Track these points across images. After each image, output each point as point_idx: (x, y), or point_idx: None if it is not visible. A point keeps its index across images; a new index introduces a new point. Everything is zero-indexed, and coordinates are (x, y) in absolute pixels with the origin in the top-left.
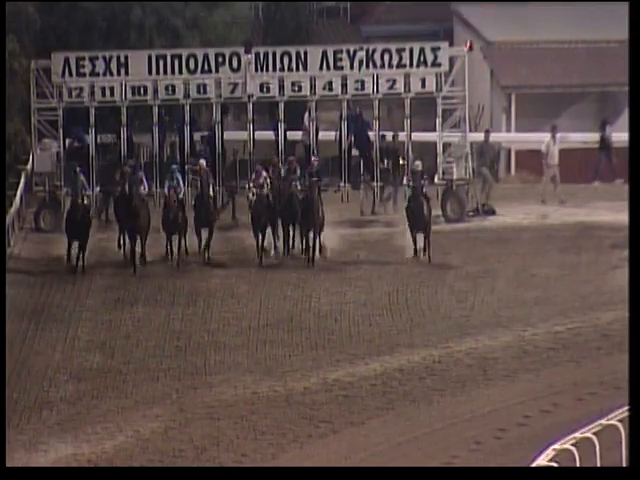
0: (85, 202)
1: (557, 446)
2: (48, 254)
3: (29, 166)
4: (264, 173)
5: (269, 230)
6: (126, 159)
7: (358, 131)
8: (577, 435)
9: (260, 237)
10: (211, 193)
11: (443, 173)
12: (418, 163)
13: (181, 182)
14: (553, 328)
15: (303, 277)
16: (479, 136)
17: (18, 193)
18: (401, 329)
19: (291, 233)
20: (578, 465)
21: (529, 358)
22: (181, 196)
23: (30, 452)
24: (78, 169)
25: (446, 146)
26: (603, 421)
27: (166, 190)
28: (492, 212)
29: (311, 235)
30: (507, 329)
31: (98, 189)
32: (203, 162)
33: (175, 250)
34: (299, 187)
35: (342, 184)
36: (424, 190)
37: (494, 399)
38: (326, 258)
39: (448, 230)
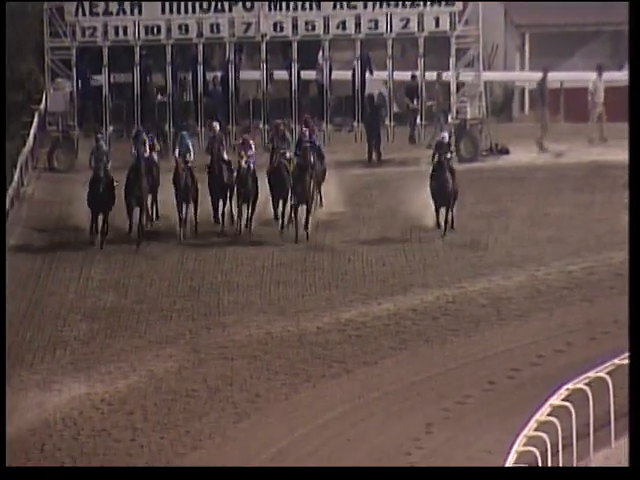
0: (108, 173)
1: (570, 386)
2: (61, 194)
3: (42, 105)
4: (251, 143)
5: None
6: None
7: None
8: (591, 375)
9: (245, 210)
10: (226, 156)
11: (457, 112)
12: (445, 135)
13: (191, 148)
14: (567, 267)
15: (315, 217)
16: (492, 75)
17: (31, 132)
18: (414, 269)
19: (281, 208)
20: (591, 406)
21: (542, 297)
22: (190, 164)
23: (44, 391)
24: (100, 135)
25: (460, 85)
26: (616, 361)
27: (176, 155)
28: (506, 151)
29: (301, 209)
30: (521, 269)
31: (112, 129)
32: (216, 125)
33: (188, 218)
34: (288, 156)
35: (355, 124)
36: (450, 164)
37: (508, 339)
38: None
39: (462, 170)
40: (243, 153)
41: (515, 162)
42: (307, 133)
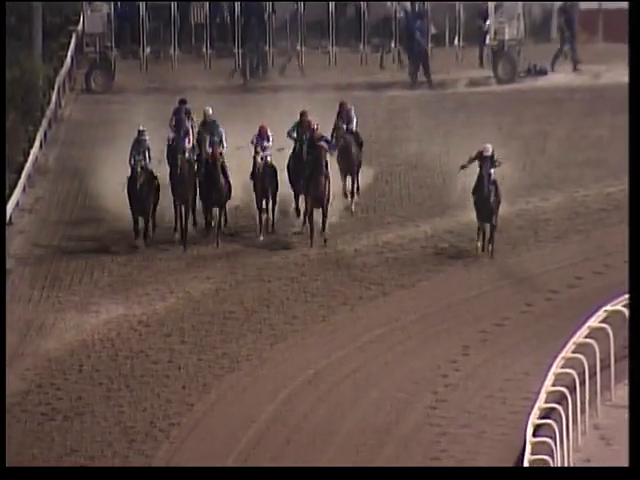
0: (150, 172)
1: (609, 307)
2: (98, 116)
3: (80, 27)
4: (269, 133)
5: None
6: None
7: None
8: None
9: (265, 212)
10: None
11: (495, 33)
12: (488, 147)
13: (224, 137)
14: (605, 189)
15: None
16: None
17: (69, 54)
18: (452, 191)
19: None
20: (628, 326)
21: (580, 219)
22: (221, 156)
23: (81, 313)
24: (142, 128)
25: (498, 6)
26: None
27: (207, 146)
28: (544, 72)
29: (318, 212)
30: (559, 190)
31: (149, 50)
32: (209, 110)
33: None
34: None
35: (393, 45)
36: (492, 178)
37: (545, 260)
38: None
39: (499, 91)
40: (259, 148)
41: (553, 83)
42: (318, 128)
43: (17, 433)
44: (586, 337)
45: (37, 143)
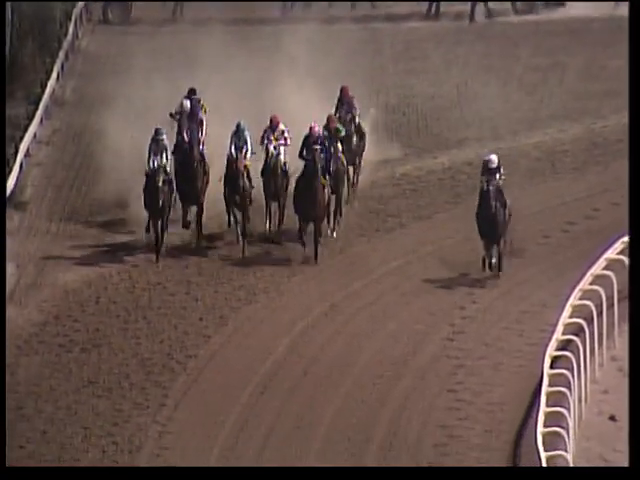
0: (168, 175)
1: (626, 239)
2: (115, 47)
3: None
4: (282, 127)
5: None
6: None
7: None
8: None
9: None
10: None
11: None
12: (494, 158)
13: (249, 142)
14: (623, 120)
15: (371, 66)
16: None
17: None
18: (470, 122)
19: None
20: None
21: (598, 150)
22: (247, 162)
23: (98, 246)
24: (160, 128)
25: None
26: None
27: (233, 152)
28: (562, 3)
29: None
30: (576, 122)
31: None
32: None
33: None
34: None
35: None
36: (499, 190)
37: (562, 192)
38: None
39: (517, 22)
40: (272, 137)
41: (571, 14)
42: (316, 131)
43: (35, 365)
44: (603, 269)
45: (54, 75)
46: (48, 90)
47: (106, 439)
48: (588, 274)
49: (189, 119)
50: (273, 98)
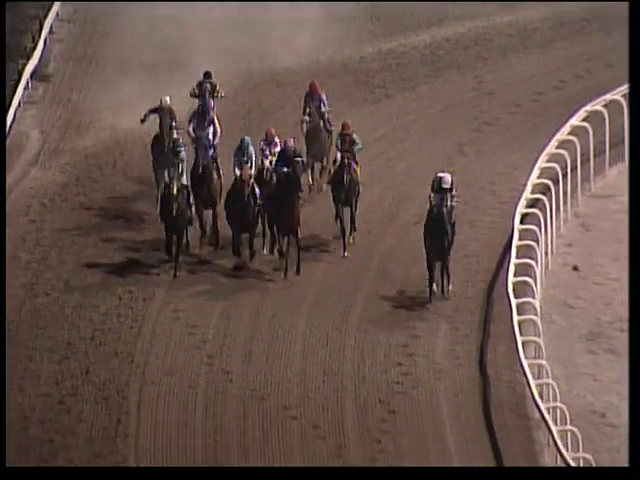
0: (186, 187)
1: (589, 107)
2: None
3: None
4: (276, 139)
5: None
6: None
7: None
8: (607, 97)
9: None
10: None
11: None
12: (447, 177)
13: (254, 158)
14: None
15: None
16: None
17: None
18: (449, 3)
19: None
20: (607, 126)
21: (565, 28)
22: (251, 178)
23: (116, 115)
24: (176, 135)
25: None
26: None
27: (236, 169)
28: None
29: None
30: (545, 3)
31: None
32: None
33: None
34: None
35: None
36: (449, 209)
37: (532, 66)
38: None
39: None
40: (267, 152)
41: None
42: (292, 146)
43: (58, 221)
44: (568, 134)
45: None
46: None
47: (122, 288)
48: (554, 139)
49: (198, 119)
50: None
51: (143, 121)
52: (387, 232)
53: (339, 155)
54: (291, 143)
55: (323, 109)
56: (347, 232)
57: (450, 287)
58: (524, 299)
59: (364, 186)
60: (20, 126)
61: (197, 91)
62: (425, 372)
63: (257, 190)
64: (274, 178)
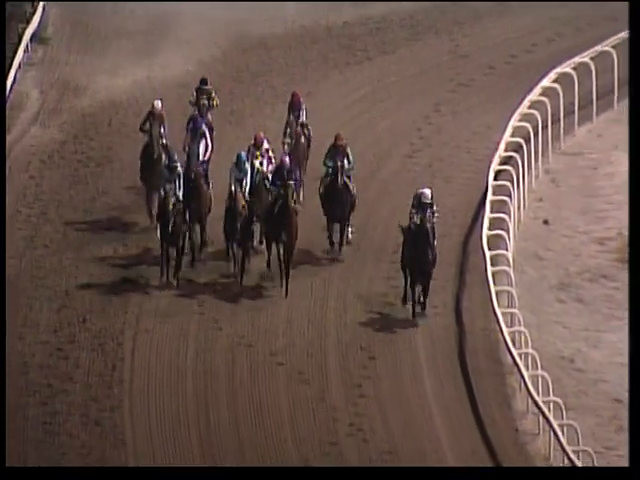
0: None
1: (559, 70)
2: None
3: None
4: (266, 144)
5: None
6: None
7: None
8: (576, 60)
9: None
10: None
11: None
12: (427, 192)
13: (249, 175)
14: None
15: None
16: None
17: None
18: None
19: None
20: (576, 87)
21: None
22: (247, 196)
23: (111, 76)
24: (172, 154)
25: None
26: (599, 47)
27: (232, 185)
28: None
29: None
30: None
31: None
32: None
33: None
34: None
35: None
36: (430, 226)
37: (506, 30)
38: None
39: None
40: (257, 153)
41: None
42: (286, 162)
43: (57, 177)
44: (539, 95)
45: None
46: None
47: (117, 241)
48: (526, 100)
49: (191, 132)
50: None
51: (142, 130)
52: (369, 187)
53: (331, 166)
54: (286, 160)
55: (303, 118)
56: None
57: (424, 302)
58: (498, 251)
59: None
60: (20, 87)
61: (194, 99)
62: (404, 320)
63: (252, 208)
64: (270, 194)
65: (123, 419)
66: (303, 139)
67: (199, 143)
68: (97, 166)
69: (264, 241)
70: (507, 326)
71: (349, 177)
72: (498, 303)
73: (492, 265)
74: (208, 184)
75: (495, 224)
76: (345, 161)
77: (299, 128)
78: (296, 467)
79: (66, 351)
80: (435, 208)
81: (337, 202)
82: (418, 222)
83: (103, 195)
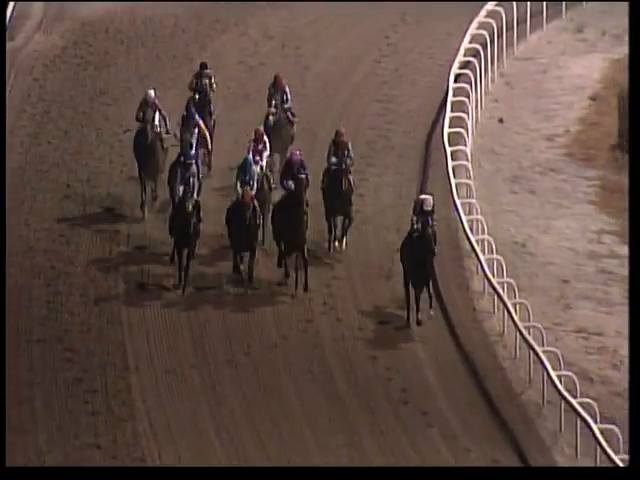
0: (197, 203)
1: None
2: None
3: None
4: (266, 140)
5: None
6: None
7: None
8: None
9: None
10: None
11: None
12: (429, 199)
13: (255, 178)
14: None
15: None
16: None
17: None
18: None
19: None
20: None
21: None
22: (252, 200)
23: None
24: (187, 151)
25: None
26: None
27: (238, 188)
28: None
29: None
30: None
31: None
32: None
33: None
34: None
35: None
36: (432, 231)
37: None
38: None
39: None
40: (256, 156)
41: None
42: (298, 158)
43: (58, 80)
44: (495, 6)
45: None
46: None
47: (114, 137)
48: (484, 9)
49: (184, 123)
50: None
51: (138, 119)
52: (342, 89)
53: (334, 162)
54: (296, 156)
55: (286, 103)
56: (338, 234)
57: (432, 312)
58: (457, 147)
59: (319, 49)
60: None
61: (195, 83)
62: (371, 209)
63: (258, 210)
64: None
65: (119, 299)
66: (288, 123)
67: (193, 130)
68: (95, 69)
69: (275, 239)
70: (466, 215)
71: (350, 171)
72: (457, 194)
73: (452, 160)
74: (200, 184)
75: (455, 123)
76: (347, 157)
77: (284, 114)
78: (296, 467)
79: (67, 237)
80: (434, 218)
81: (340, 197)
82: (418, 229)
83: (101, 95)
